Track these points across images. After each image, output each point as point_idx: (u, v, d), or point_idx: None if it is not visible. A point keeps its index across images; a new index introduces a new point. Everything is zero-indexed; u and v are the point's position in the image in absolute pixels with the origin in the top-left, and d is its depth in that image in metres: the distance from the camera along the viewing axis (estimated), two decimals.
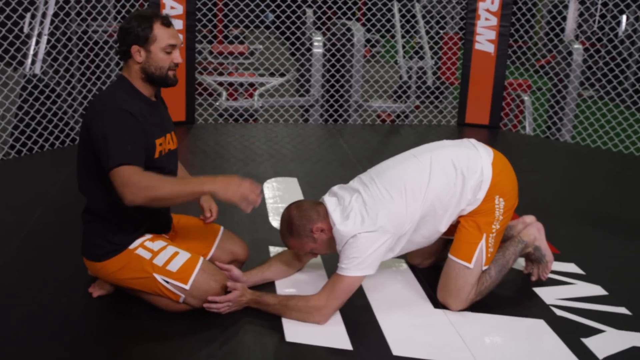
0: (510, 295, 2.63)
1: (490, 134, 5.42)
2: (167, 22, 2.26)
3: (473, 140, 2.60)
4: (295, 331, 2.26)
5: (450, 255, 2.49)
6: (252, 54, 7.54)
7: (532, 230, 2.69)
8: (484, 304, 2.51)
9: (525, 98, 6.25)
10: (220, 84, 5.99)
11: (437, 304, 2.53)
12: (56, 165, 4.14)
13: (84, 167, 2.28)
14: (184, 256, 2.28)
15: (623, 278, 2.87)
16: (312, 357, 2.16)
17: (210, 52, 7.34)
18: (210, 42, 7.36)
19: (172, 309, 2.29)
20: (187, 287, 2.23)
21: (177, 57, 2.25)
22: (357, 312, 2.43)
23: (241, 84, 6.24)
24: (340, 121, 5.69)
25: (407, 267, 2.83)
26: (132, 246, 2.29)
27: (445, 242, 2.67)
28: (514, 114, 6.21)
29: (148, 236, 2.33)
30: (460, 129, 5.53)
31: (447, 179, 2.39)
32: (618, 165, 4.86)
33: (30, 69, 4.51)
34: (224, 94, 5.75)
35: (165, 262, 2.25)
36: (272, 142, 4.89)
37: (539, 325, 2.42)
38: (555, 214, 3.50)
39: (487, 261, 2.47)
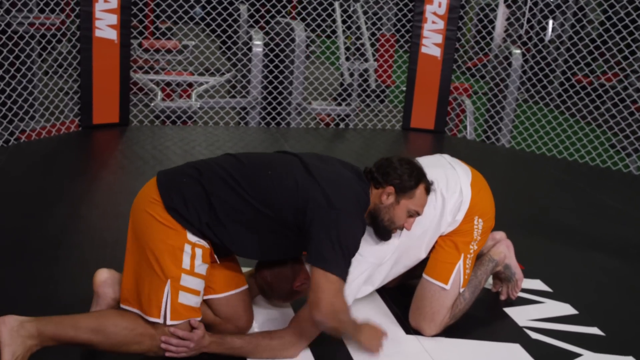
0: (481, 317, 2.51)
1: (436, 139, 5.35)
2: (429, 190, 2.17)
3: (448, 157, 2.48)
4: None
5: (425, 276, 2.35)
6: (183, 48, 7.21)
7: (502, 248, 2.59)
8: (456, 327, 2.38)
9: (467, 102, 6.24)
10: (156, 83, 5.67)
11: (409, 329, 2.38)
12: None
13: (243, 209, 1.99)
14: (196, 302, 1.99)
15: (590, 295, 2.82)
16: None
17: (140, 46, 6.96)
18: (137, 36, 7.00)
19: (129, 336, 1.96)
20: (170, 322, 1.94)
21: (411, 224, 2.16)
22: (326, 341, 2.23)
23: (179, 84, 5.93)
24: (283, 124, 5.48)
25: (374, 291, 2.66)
26: (190, 238, 1.96)
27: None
28: (458, 119, 6.18)
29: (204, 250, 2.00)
30: (406, 134, 5.44)
31: None
32: (563, 172, 4.88)
33: None
34: (160, 93, 5.43)
35: (186, 288, 1.96)
36: (214, 146, 4.63)
37: (516, 350, 2.32)
38: (510, 224, 3.40)
39: (465, 283, 2.35)
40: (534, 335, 2.42)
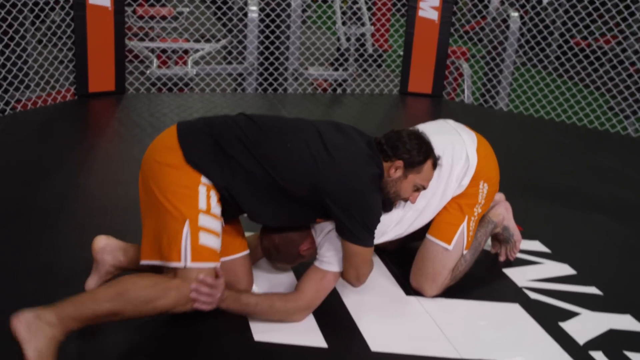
0: (481, 278, 2.53)
1: (433, 103, 5.33)
2: (435, 165, 2.18)
3: (452, 122, 2.49)
4: (263, 330, 2.07)
5: (428, 236, 2.37)
6: (178, 15, 7.10)
7: (501, 210, 2.60)
8: (456, 288, 2.40)
9: (464, 66, 6.19)
10: (152, 50, 5.60)
11: (409, 290, 2.40)
12: None
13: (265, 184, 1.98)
14: (216, 244, 1.94)
15: (588, 255, 2.83)
16: (286, 358, 1.98)
17: (134, 12, 6.86)
18: (132, 3, 6.89)
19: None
20: (190, 265, 1.87)
21: (416, 199, 2.17)
22: (327, 304, 2.25)
23: (174, 51, 5.86)
24: (280, 90, 5.44)
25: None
26: (204, 181, 1.94)
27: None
28: (456, 83, 6.14)
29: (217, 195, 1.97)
30: (403, 98, 5.40)
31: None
32: (562, 135, 4.87)
33: None
34: (155, 61, 5.38)
35: (205, 228, 1.91)
36: (211, 112, 4.60)
37: (515, 310, 2.34)
38: (509, 187, 3.40)
39: (468, 245, 2.36)
40: (533, 295, 2.44)
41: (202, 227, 1.91)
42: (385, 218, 2.19)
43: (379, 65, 6.31)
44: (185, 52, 5.90)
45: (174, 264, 1.88)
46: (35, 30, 4.77)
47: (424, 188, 2.17)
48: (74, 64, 4.62)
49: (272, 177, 1.96)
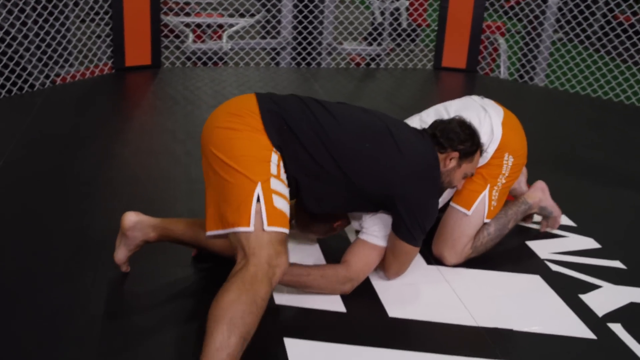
0: (503, 249, 2.54)
1: (467, 78, 5.28)
2: (482, 152, 2.28)
3: (477, 98, 2.52)
4: (284, 295, 2.13)
5: (451, 203, 2.42)
6: None
7: (537, 192, 2.63)
8: (477, 259, 2.43)
9: (501, 41, 6.10)
10: (187, 25, 5.68)
11: (430, 260, 2.43)
12: (15, 114, 3.87)
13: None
14: (287, 210, 1.88)
15: (614, 229, 2.82)
16: (305, 321, 2.04)
17: None
18: None
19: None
20: (268, 228, 1.79)
21: (462, 184, 2.26)
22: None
23: (209, 25, 5.93)
24: (314, 64, 5.46)
25: None
26: (276, 149, 1.90)
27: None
28: (491, 58, 6.07)
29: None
30: (437, 73, 5.37)
31: None
32: (597, 111, 4.79)
33: None
34: (191, 35, 5.45)
35: (276, 192, 1.84)
36: (245, 86, 4.67)
37: (535, 282, 2.35)
38: (538, 161, 3.40)
39: (489, 214, 2.39)
40: (555, 268, 2.45)
41: (274, 191, 1.84)
42: None
43: (413, 40, 6.27)
44: (220, 26, 5.96)
45: (242, 229, 1.78)
46: (74, 5, 4.88)
47: (472, 175, 2.25)
48: (111, 39, 4.72)
49: (347, 176, 1.97)
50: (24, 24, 4.34)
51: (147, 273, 2.21)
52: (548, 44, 5.70)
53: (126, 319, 2.00)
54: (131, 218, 2.13)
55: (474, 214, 2.37)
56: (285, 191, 1.89)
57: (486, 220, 2.39)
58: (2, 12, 4.21)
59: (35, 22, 4.35)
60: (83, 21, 4.91)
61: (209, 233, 1.89)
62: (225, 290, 1.69)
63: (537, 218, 2.78)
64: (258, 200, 1.79)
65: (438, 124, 2.19)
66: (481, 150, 2.24)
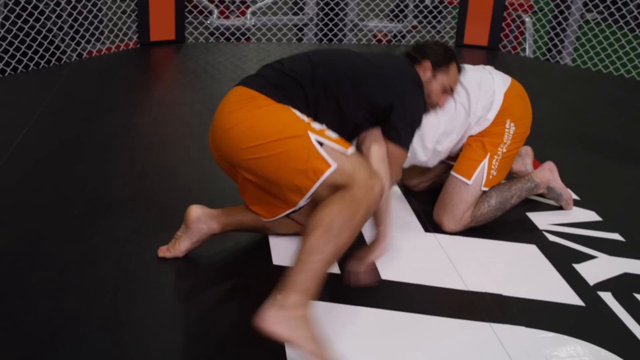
0: (502, 220, 2.57)
1: (489, 56, 5.27)
2: (460, 69, 2.32)
3: (489, 68, 2.56)
4: (281, 255, 2.22)
5: (451, 172, 2.48)
6: None
7: (544, 172, 2.64)
8: (475, 228, 2.48)
9: (526, 19, 6.05)
10: (211, 1, 5.76)
11: (428, 227, 2.49)
12: (42, 86, 4.02)
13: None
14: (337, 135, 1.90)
15: (618, 204, 2.83)
16: None
17: None
18: None
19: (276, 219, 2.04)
20: (348, 152, 1.81)
21: (444, 102, 2.30)
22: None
23: (233, 1, 6.01)
24: (335, 41, 5.51)
25: (399, 191, 2.77)
26: (296, 112, 1.91)
27: (446, 168, 2.63)
28: (514, 35, 6.02)
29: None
30: (459, 50, 5.36)
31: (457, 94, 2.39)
32: (618, 89, 4.75)
33: None
34: (215, 11, 5.54)
35: (322, 129, 1.86)
36: (265, 61, 4.66)
37: (530, 250, 2.40)
38: (551, 137, 3.43)
39: (488, 182, 2.43)
40: (552, 238, 2.49)
41: (322, 129, 1.86)
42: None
43: (434, 17, 6.25)
44: (243, 2, 6.03)
45: (328, 172, 1.77)
46: None
47: (452, 90, 2.30)
48: (136, 14, 4.84)
49: (360, 93, 2.04)
50: (57, 3, 4.48)
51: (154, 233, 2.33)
52: (576, 22, 5.64)
53: (131, 274, 2.11)
54: (196, 211, 2.11)
55: (474, 183, 2.42)
56: (323, 125, 1.89)
57: (484, 189, 2.43)
58: None
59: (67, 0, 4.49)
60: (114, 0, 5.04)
61: (267, 220, 1.99)
62: (325, 205, 1.70)
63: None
64: (320, 144, 1.80)
65: (414, 44, 2.34)
66: (459, 68, 2.30)
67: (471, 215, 2.45)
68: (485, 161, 2.43)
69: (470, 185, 2.42)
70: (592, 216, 2.68)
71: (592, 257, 2.38)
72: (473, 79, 2.43)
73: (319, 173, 1.78)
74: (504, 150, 2.45)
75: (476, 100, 2.40)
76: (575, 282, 2.20)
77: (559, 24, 5.71)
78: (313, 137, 1.81)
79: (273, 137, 1.84)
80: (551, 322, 1.98)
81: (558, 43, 5.65)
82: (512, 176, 2.70)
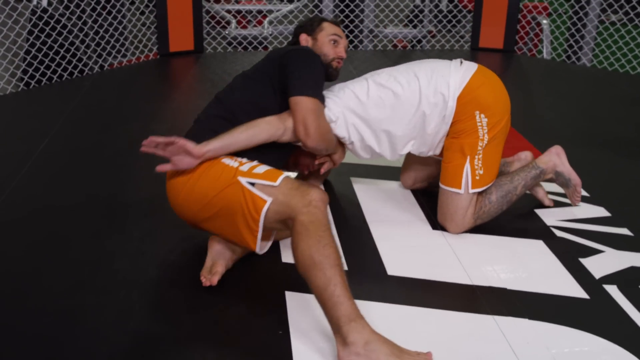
0: (510, 216, 2.60)
1: (505, 58, 5.30)
2: (335, 21, 2.54)
3: (461, 61, 2.49)
4: (289, 253, 2.26)
5: (440, 184, 2.47)
6: None
7: (551, 157, 2.60)
8: (484, 226, 2.50)
9: (543, 22, 6.06)
10: (229, 11, 5.89)
11: (436, 225, 2.53)
12: (64, 97, 4.16)
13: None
14: (267, 167, 2.03)
15: (628, 200, 2.83)
16: None
17: None
18: None
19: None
20: (276, 183, 1.92)
21: (342, 51, 2.46)
22: (354, 232, 2.45)
23: (250, 12, 6.12)
24: (351, 47, 5.58)
25: (408, 190, 2.82)
26: (224, 159, 2.06)
27: (439, 167, 2.62)
28: (530, 38, 6.03)
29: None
30: (474, 53, 5.40)
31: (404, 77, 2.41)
32: (635, 88, 4.73)
33: (39, 2, 4.47)
34: (233, 22, 5.66)
35: (251, 168, 1.99)
36: None
37: (537, 246, 2.41)
38: (564, 136, 3.45)
39: (475, 184, 2.40)
40: (559, 234, 2.50)
41: (249, 169, 1.97)
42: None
43: (449, 21, 6.28)
44: (260, 12, 6.14)
45: (265, 208, 1.89)
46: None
47: (339, 37, 2.46)
48: (156, 26, 4.97)
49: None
50: (75, 15, 4.63)
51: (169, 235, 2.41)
52: (592, 23, 5.63)
53: (144, 272, 2.19)
54: (216, 245, 2.18)
55: (464, 190, 2.40)
56: (254, 162, 2.03)
57: (473, 191, 2.41)
58: (59, 7, 4.50)
59: (87, 14, 4.63)
60: (133, 13, 5.17)
61: (260, 250, 2.05)
62: (294, 250, 1.82)
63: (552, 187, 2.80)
64: (252, 184, 1.93)
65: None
66: (333, 21, 2.50)
67: (473, 216, 2.45)
68: (467, 165, 2.38)
69: (462, 193, 2.41)
70: (600, 212, 2.69)
71: (599, 251, 2.39)
72: (427, 67, 2.41)
73: (259, 210, 1.91)
74: (483, 145, 2.38)
75: (427, 84, 2.36)
76: (581, 275, 2.22)
77: (577, 26, 5.69)
78: (243, 181, 1.94)
79: (210, 195, 1.99)
80: (554, 314, 2.00)
81: (574, 44, 5.64)
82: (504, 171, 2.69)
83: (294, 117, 2.17)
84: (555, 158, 2.60)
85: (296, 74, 2.18)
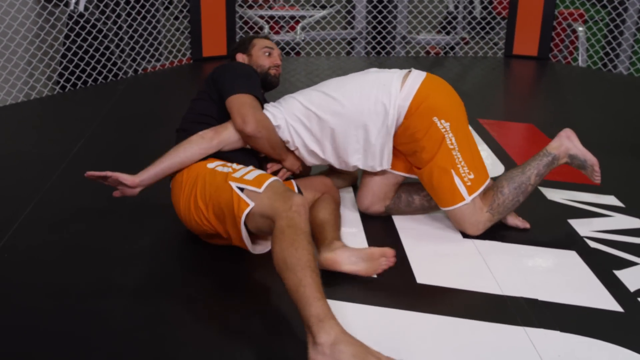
0: (542, 226, 2.57)
1: (539, 66, 5.23)
2: (266, 35, 2.84)
3: (410, 70, 2.48)
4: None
5: (442, 209, 2.46)
6: None
7: (562, 141, 2.51)
8: (514, 235, 2.47)
9: (579, 29, 5.98)
10: (262, 17, 5.93)
11: (466, 234, 2.51)
12: (99, 100, 4.23)
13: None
14: (259, 172, 2.16)
15: None
16: (335, 283, 2.18)
17: None
18: None
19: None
20: (260, 189, 2.04)
21: (277, 59, 2.65)
22: (384, 241, 2.43)
23: (283, 17, 6.16)
24: (383, 54, 5.57)
25: None
26: (209, 165, 2.26)
27: (397, 186, 2.60)
28: (568, 46, 5.95)
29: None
30: (507, 60, 5.35)
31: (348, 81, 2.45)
32: None
33: (75, 7, 4.55)
34: (266, 27, 5.69)
35: (243, 174, 2.13)
36: (313, 74, 4.84)
37: (570, 257, 2.37)
38: (598, 145, 3.35)
39: (471, 190, 2.37)
40: (593, 245, 2.46)
41: (241, 176, 2.11)
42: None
43: (483, 28, 6.23)
44: (292, 17, 6.17)
45: (247, 210, 2.02)
46: (159, 5, 5.23)
47: (271, 47, 2.64)
48: (189, 31, 5.03)
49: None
50: (112, 20, 4.71)
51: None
52: (633, 31, 5.54)
53: (172, 274, 2.21)
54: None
55: (464, 201, 2.39)
56: (248, 168, 2.17)
57: (470, 198, 2.37)
58: (95, 11, 4.58)
59: (123, 19, 4.71)
60: (167, 19, 5.24)
61: (257, 251, 2.21)
62: (272, 251, 1.87)
63: None
64: (241, 190, 2.06)
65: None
66: (263, 36, 2.71)
67: (488, 212, 2.42)
68: (456, 178, 2.36)
69: (463, 205, 2.39)
70: (636, 223, 2.63)
71: (634, 263, 2.34)
72: (372, 77, 2.41)
73: (241, 212, 2.04)
74: (456, 150, 2.35)
75: (368, 94, 2.35)
76: (615, 288, 2.17)
77: (614, 33, 5.60)
78: (234, 185, 2.08)
79: (207, 198, 2.16)
80: (587, 327, 1.96)
81: (610, 52, 5.55)
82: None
83: (231, 114, 2.31)
84: (567, 141, 2.51)
85: (227, 79, 2.36)
